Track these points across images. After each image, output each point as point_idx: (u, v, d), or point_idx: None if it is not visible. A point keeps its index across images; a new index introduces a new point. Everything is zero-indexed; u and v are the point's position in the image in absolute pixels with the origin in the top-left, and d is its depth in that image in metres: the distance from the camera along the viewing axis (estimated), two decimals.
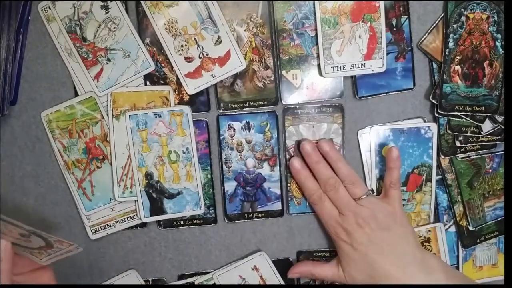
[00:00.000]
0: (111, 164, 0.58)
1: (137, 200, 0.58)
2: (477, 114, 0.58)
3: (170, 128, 0.57)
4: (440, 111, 0.58)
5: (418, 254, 0.53)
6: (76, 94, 0.58)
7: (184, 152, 0.58)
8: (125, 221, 0.59)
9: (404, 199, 0.60)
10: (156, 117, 0.57)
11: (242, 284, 0.61)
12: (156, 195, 0.58)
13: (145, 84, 0.58)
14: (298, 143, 0.58)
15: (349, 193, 0.55)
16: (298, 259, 0.62)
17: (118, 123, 0.57)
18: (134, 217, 0.59)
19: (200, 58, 0.57)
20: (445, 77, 0.57)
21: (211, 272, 0.61)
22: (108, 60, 0.57)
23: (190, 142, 0.58)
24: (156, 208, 0.58)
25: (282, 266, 0.61)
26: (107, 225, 0.59)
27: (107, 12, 0.56)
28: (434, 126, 0.59)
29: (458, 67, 0.57)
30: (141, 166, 0.58)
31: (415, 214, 0.61)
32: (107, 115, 0.57)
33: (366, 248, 0.53)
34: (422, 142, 0.59)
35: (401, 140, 0.59)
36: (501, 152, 0.60)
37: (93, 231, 0.59)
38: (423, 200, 0.60)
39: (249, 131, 0.58)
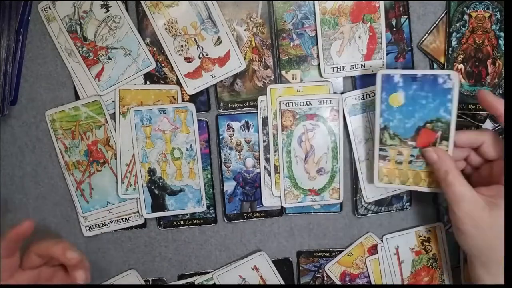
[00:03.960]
0: (116, 159, 0.58)
1: (139, 196, 0.58)
2: (481, 112, 0.57)
3: (174, 125, 0.57)
4: None
5: None
6: (76, 94, 0.58)
7: (187, 150, 0.58)
8: (120, 222, 0.60)
9: (412, 155, 0.52)
10: (160, 113, 0.57)
11: (242, 284, 0.61)
12: (158, 192, 0.58)
13: (145, 83, 0.58)
14: None
15: None
16: (298, 259, 0.62)
17: (125, 120, 0.57)
18: (130, 219, 0.60)
19: (200, 58, 0.57)
20: None
21: (211, 272, 0.61)
22: (109, 59, 0.57)
23: (194, 139, 0.58)
24: (157, 204, 0.58)
25: (282, 266, 0.61)
26: (102, 223, 0.60)
27: (107, 11, 0.56)
28: (455, 75, 0.48)
29: (461, 66, 0.57)
30: (144, 162, 0.58)
31: (425, 174, 0.52)
32: (114, 111, 0.57)
33: None
34: (439, 93, 0.49)
35: (412, 89, 0.50)
36: None
37: (87, 228, 0.60)
38: None
39: (248, 131, 0.58)
